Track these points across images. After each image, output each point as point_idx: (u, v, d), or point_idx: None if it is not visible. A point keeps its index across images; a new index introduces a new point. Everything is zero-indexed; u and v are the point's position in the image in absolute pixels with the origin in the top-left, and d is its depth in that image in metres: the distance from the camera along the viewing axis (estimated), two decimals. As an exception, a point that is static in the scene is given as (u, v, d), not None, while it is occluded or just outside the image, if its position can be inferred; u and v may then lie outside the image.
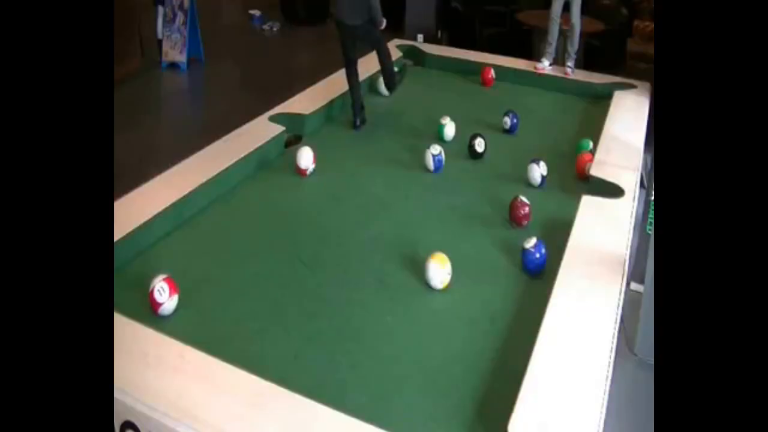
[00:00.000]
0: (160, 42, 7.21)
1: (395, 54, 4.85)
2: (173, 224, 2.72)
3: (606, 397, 1.82)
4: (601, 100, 4.25)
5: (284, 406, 1.73)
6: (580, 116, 4.17)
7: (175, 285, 2.22)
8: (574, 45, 4.63)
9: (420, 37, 5.77)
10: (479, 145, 3.52)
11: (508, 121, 3.87)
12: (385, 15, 3.74)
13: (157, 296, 2.19)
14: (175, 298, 2.22)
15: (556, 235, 2.68)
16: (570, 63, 4.65)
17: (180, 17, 7.11)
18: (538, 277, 2.52)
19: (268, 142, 3.37)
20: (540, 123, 4.08)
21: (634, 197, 2.94)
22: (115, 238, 2.36)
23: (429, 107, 4.22)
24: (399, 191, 3.20)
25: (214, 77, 7.36)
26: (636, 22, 6.37)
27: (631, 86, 4.31)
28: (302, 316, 2.28)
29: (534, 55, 5.86)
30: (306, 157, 3.23)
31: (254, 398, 1.74)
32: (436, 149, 3.34)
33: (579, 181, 3.24)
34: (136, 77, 6.03)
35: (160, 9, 7.15)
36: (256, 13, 8.96)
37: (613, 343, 2.03)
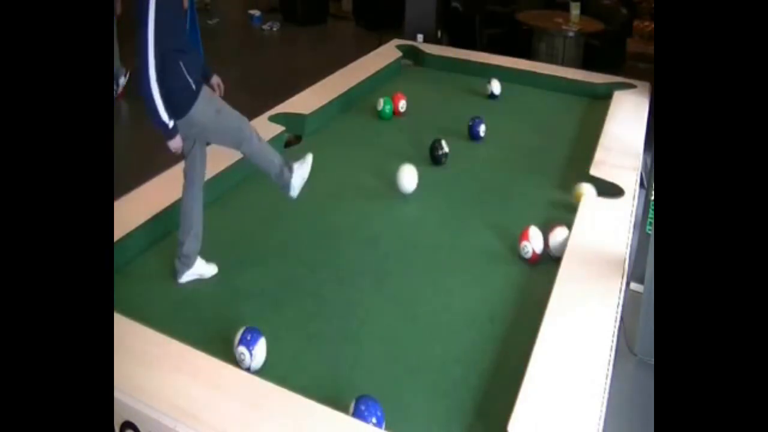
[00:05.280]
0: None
1: (395, 54, 4.86)
2: (173, 224, 2.72)
3: (606, 396, 1.82)
4: (601, 100, 4.25)
5: (284, 406, 1.73)
6: (580, 116, 4.17)
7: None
8: None
9: (420, 37, 5.77)
10: (440, 148, 3.41)
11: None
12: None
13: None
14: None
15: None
16: None
17: (180, 17, 7.09)
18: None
19: (267, 142, 3.36)
20: (540, 123, 4.08)
21: (634, 197, 2.94)
22: (116, 238, 2.36)
23: (429, 107, 4.22)
24: (399, 191, 3.20)
25: (213, 77, 7.35)
26: (636, 22, 6.37)
27: (631, 86, 4.31)
28: (302, 316, 2.29)
29: (534, 56, 5.88)
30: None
31: (254, 398, 1.74)
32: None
33: (577, 180, 3.23)
34: (135, 77, 6.04)
35: (160, 9, 7.14)
36: (255, 12, 8.96)
37: (613, 342, 2.03)
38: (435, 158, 3.42)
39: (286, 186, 2.52)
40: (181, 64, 2.18)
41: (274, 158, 2.49)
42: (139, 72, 2.08)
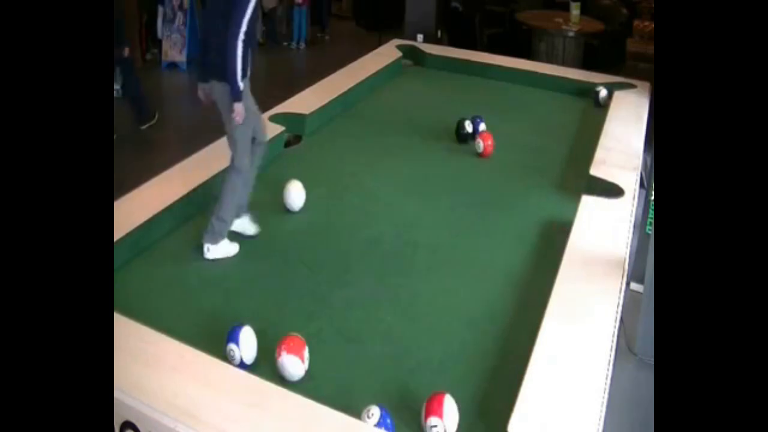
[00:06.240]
0: (160, 42, 7.22)
1: (395, 54, 4.86)
2: (174, 224, 2.72)
3: (606, 396, 1.82)
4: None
5: (284, 406, 1.72)
6: (580, 116, 4.18)
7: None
8: None
9: (420, 37, 5.77)
10: (467, 126, 3.65)
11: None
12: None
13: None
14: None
15: (556, 235, 2.68)
16: None
17: (180, 17, 7.11)
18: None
19: (268, 142, 3.36)
20: (540, 123, 4.08)
21: (634, 197, 2.94)
22: (116, 238, 2.36)
23: (429, 107, 4.22)
24: (399, 191, 3.20)
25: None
26: (636, 22, 6.38)
27: (631, 86, 4.31)
28: (302, 316, 2.28)
29: (534, 56, 5.88)
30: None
31: (254, 398, 1.74)
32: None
33: (576, 180, 3.23)
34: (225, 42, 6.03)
35: (160, 9, 7.15)
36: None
37: (613, 343, 2.03)
38: (461, 136, 3.66)
39: (216, 235, 2.54)
40: (248, 46, 2.45)
41: (234, 210, 2.60)
42: (230, 41, 2.38)
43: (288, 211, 2.91)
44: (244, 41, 2.41)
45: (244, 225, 2.70)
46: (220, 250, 2.56)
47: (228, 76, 2.43)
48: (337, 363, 2.07)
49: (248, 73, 2.50)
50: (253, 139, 2.65)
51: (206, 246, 2.55)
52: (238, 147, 2.57)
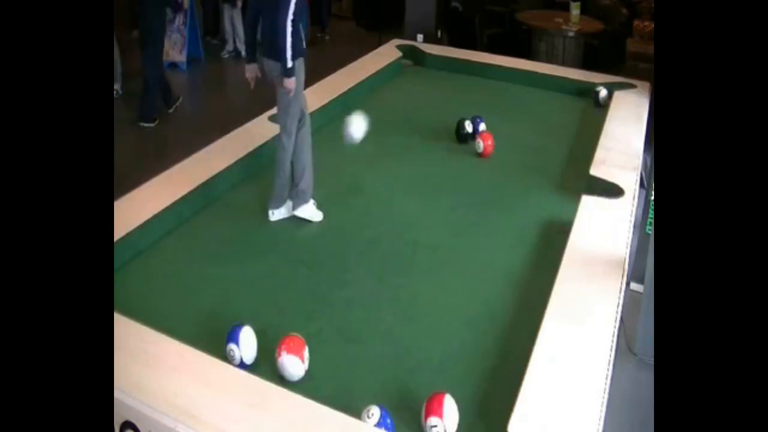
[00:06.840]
0: (160, 42, 7.20)
1: (395, 54, 4.87)
2: (173, 224, 2.72)
3: (606, 396, 1.82)
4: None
5: (284, 406, 1.73)
6: (580, 116, 4.17)
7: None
8: None
9: (420, 37, 5.77)
10: (467, 126, 3.66)
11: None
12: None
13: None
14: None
15: (556, 235, 2.69)
16: None
17: (180, 17, 7.10)
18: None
19: (268, 141, 3.36)
20: (540, 123, 4.08)
21: (634, 197, 2.94)
22: (116, 238, 2.36)
23: (429, 107, 4.22)
24: (399, 191, 3.20)
25: (214, 77, 7.36)
26: (636, 22, 6.38)
27: (631, 86, 4.31)
28: (302, 316, 2.29)
29: (534, 56, 5.88)
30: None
31: (254, 398, 1.74)
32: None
33: (576, 180, 3.23)
34: (135, 77, 6.03)
35: (160, 9, 7.13)
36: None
37: (613, 343, 2.03)
38: (461, 136, 3.67)
39: (278, 200, 2.86)
40: (300, 26, 2.70)
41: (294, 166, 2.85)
42: (280, 23, 2.60)
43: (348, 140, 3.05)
44: (294, 21, 2.63)
45: (313, 211, 2.91)
46: (284, 209, 2.85)
47: (280, 54, 2.63)
48: (337, 363, 2.07)
49: (303, 47, 2.74)
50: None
51: (281, 207, 2.83)
52: (288, 119, 2.78)
